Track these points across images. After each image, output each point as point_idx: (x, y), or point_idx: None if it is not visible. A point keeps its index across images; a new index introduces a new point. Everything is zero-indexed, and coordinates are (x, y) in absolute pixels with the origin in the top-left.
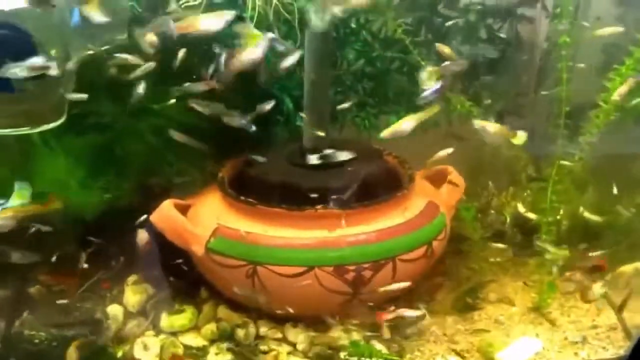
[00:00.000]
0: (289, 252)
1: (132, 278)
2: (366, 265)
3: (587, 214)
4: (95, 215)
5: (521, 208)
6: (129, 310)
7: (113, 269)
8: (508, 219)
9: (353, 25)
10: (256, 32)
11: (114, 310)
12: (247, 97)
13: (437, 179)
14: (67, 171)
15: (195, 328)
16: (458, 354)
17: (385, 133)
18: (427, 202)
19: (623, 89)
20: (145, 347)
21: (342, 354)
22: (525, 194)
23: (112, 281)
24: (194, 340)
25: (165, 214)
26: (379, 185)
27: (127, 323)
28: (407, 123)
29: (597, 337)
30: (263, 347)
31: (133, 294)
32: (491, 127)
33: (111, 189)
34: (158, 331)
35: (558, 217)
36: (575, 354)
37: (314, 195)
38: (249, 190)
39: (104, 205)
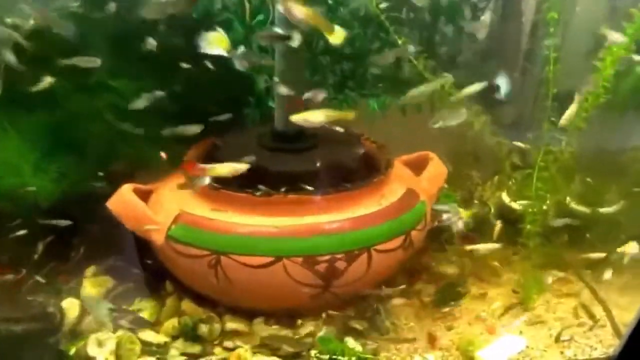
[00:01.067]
0: (254, 241)
1: (91, 270)
2: (339, 256)
3: (573, 205)
4: (53, 202)
5: (505, 197)
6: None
7: (71, 260)
8: (492, 210)
9: (329, 2)
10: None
11: (70, 304)
12: (220, 78)
13: (418, 166)
14: (19, 153)
15: (157, 323)
16: (436, 352)
17: (295, 117)
18: (406, 190)
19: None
20: (100, 344)
21: (313, 352)
22: (510, 182)
23: (71, 273)
24: (154, 336)
25: (123, 199)
26: (354, 171)
27: (83, 318)
28: (317, 116)
29: (585, 336)
30: (228, 344)
31: (92, 287)
32: (299, 10)
33: (69, 173)
34: (117, 327)
35: (544, 207)
36: (562, 353)
37: (283, 180)
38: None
39: (62, 192)
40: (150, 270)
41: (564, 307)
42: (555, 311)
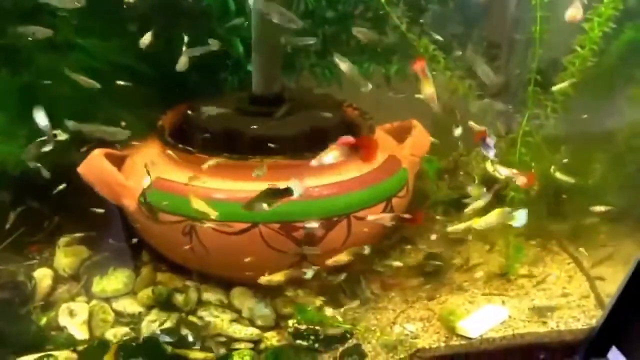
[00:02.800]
0: (230, 207)
1: (64, 239)
2: (317, 223)
3: (559, 175)
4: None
5: (489, 167)
6: (60, 275)
7: (44, 230)
8: (477, 180)
9: None
10: None
11: (42, 273)
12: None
13: (401, 134)
14: None
15: (132, 293)
16: (417, 322)
17: None
18: (387, 156)
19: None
20: (72, 314)
21: (290, 322)
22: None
23: (44, 243)
24: (129, 306)
25: (94, 164)
26: (333, 136)
27: (56, 288)
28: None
29: (568, 306)
30: (204, 314)
31: (65, 256)
32: None
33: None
34: (91, 297)
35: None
36: (544, 323)
37: (260, 145)
38: (190, 140)
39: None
40: (126, 239)
41: (549, 278)
42: (538, 281)
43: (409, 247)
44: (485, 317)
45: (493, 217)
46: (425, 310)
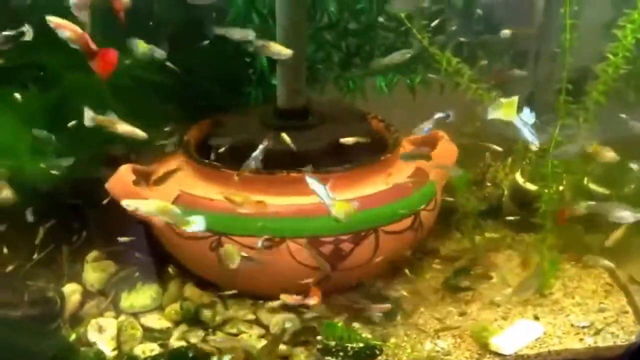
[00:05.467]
0: (256, 222)
1: (92, 254)
2: (345, 237)
3: (592, 186)
4: (52, 185)
5: (519, 178)
6: (89, 290)
7: (73, 245)
8: (505, 192)
9: None
10: None
11: (71, 289)
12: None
13: (428, 145)
14: (14, 135)
15: (160, 308)
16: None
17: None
18: (415, 169)
19: None
20: (100, 329)
21: (319, 338)
22: (525, 162)
23: (74, 258)
24: (157, 321)
25: (121, 180)
26: (360, 149)
27: (85, 303)
28: None
29: (605, 322)
30: (232, 330)
31: (93, 272)
32: None
33: (66, 155)
34: (119, 312)
35: (561, 187)
36: (581, 340)
37: (286, 159)
38: (217, 154)
39: (60, 174)
40: (154, 254)
41: (583, 292)
42: (573, 296)
43: (437, 260)
44: (519, 334)
45: None
46: (457, 326)
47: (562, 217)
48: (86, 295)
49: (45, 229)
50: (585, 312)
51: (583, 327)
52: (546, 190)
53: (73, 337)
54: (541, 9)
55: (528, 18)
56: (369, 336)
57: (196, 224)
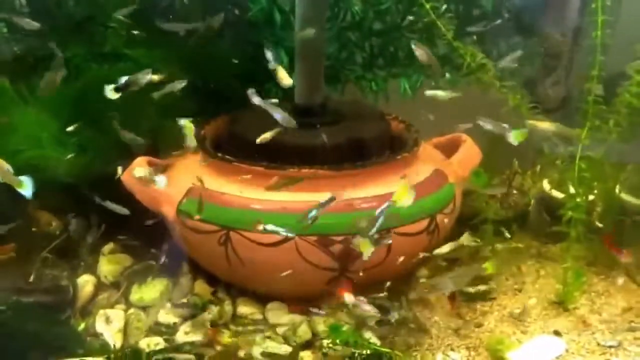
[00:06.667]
0: (265, 217)
1: (108, 247)
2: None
3: (624, 196)
4: (74, 176)
5: (546, 185)
6: (102, 282)
7: (89, 237)
8: (532, 200)
9: None
10: None
11: (85, 279)
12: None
13: (450, 148)
14: (38, 125)
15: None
16: (462, 350)
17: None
18: (433, 170)
19: None
20: (108, 321)
21: (325, 342)
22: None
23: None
24: (164, 316)
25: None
26: (376, 148)
27: (97, 294)
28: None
29: (636, 342)
30: (237, 328)
31: (108, 264)
32: None
33: (89, 146)
34: (129, 305)
35: (591, 196)
36: None
37: (300, 156)
38: (232, 150)
39: (82, 165)
40: (169, 249)
41: (612, 309)
42: (600, 313)
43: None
44: (538, 350)
45: None
46: (471, 338)
47: (609, 242)
48: (99, 286)
49: (68, 220)
50: (613, 331)
51: (610, 347)
52: (572, 198)
53: (82, 326)
54: (576, 10)
55: (562, 20)
56: (378, 342)
57: (27, 187)
